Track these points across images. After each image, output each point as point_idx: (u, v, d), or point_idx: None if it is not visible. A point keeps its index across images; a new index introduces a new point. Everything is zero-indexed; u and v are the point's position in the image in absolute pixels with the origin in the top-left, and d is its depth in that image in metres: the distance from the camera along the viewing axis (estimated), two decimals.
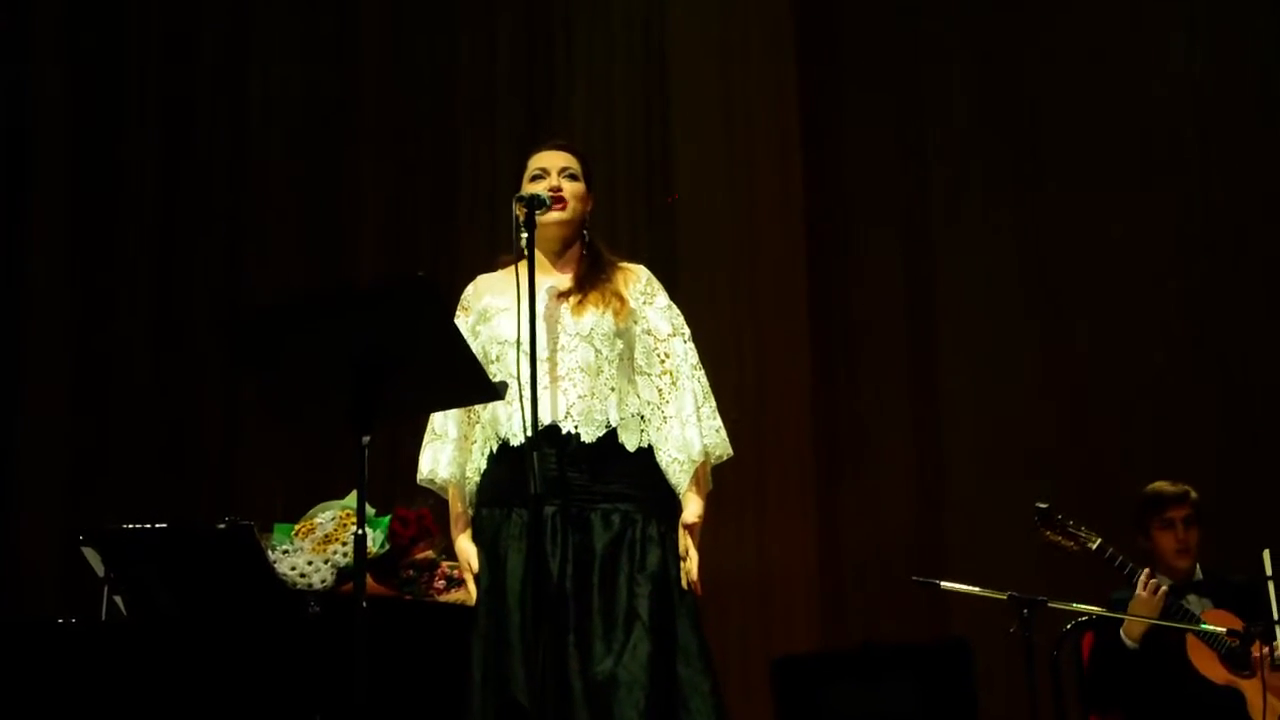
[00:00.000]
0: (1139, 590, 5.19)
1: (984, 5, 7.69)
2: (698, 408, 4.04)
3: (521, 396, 3.78)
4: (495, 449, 4.02)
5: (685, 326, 4.16)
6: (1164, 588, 5.21)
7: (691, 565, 3.92)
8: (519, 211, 3.93)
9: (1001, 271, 7.46)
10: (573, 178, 4.13)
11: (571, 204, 4.09)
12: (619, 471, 3.96)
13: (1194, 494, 5.56)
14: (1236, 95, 7.37)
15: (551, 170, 4.11)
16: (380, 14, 8.13)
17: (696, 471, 4.00)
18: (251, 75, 8.10)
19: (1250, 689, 5.18)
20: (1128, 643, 5.25)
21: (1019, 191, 7.53)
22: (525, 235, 3.88)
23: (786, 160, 7.63)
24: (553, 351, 3.97)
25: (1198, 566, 5.54)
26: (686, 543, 3.94)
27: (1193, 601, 5.35)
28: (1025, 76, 7.58)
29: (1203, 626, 5.18)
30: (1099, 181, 7.38)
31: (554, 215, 4.04)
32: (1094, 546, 5.21)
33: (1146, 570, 5.23)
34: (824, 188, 7.65)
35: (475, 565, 3.96)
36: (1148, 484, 5.64)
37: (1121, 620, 5.27)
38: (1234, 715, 5.18)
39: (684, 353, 4.10)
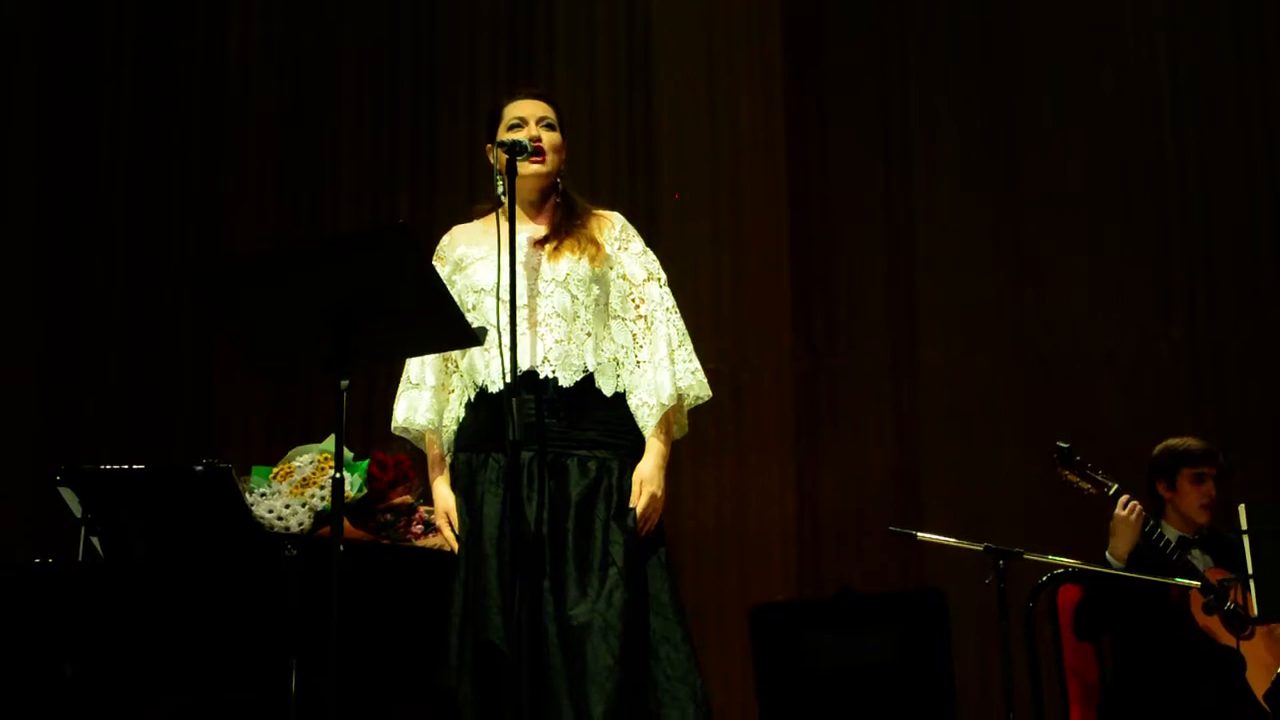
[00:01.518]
0: (1117, 511, 5.20)
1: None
2: (671, 351, 4.04)
3: (501, 343, 3.78)
4: (473, 396, 4.03)
5: (661, 271, 4.16)
6: (1138, 507, 5.21)
7: (641, 510, 3.91)
8: (499, 159, 3.93)
9: (976, 229, 7.46)
10: (550, 127, 4.12)
11: (550, 155, 4.09)
12: (596, 418, 3.97)
13: (1221, 456, 5.55)
14: (1220, 93, 7.36)
15: (529, 119, 4.10)
16: None
17: (666, 415, 4.00)
18: (230, 30, 8.02)
19: (1250, 650, 5.18)
20: (1114, 562, 5.25)
21: (995, 160, 7.52)
22: (505, 182, 3.88)
23: (770, 107, 7.62)
24: (530, 298, 3.98)
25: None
26: (638, 491, 3.93)
27: (1196, 556, 5.36)
28: (1010, 69, 7.57)
29: (1189, 582, 5.16)
30: (1074, 161, 7.40)
31: (533, 168, 4.04)
32: (1111, 491, 5.20)
33: (1126, 496, 5.23)
34: (807, 138, 7.63)
35: (454, 514, 3.97)
36: (1126, 435, 5.67)
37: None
38: (1228, 671, 5.18)
39: (659, 297, 4.11)
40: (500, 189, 3.95)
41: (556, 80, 7.65)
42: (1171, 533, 5.36)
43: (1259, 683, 5.19)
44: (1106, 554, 5.27)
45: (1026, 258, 7.37)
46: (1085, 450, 5.31)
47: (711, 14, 7.70)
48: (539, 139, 4.07)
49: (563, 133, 4.16)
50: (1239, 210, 7.22)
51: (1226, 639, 5.19)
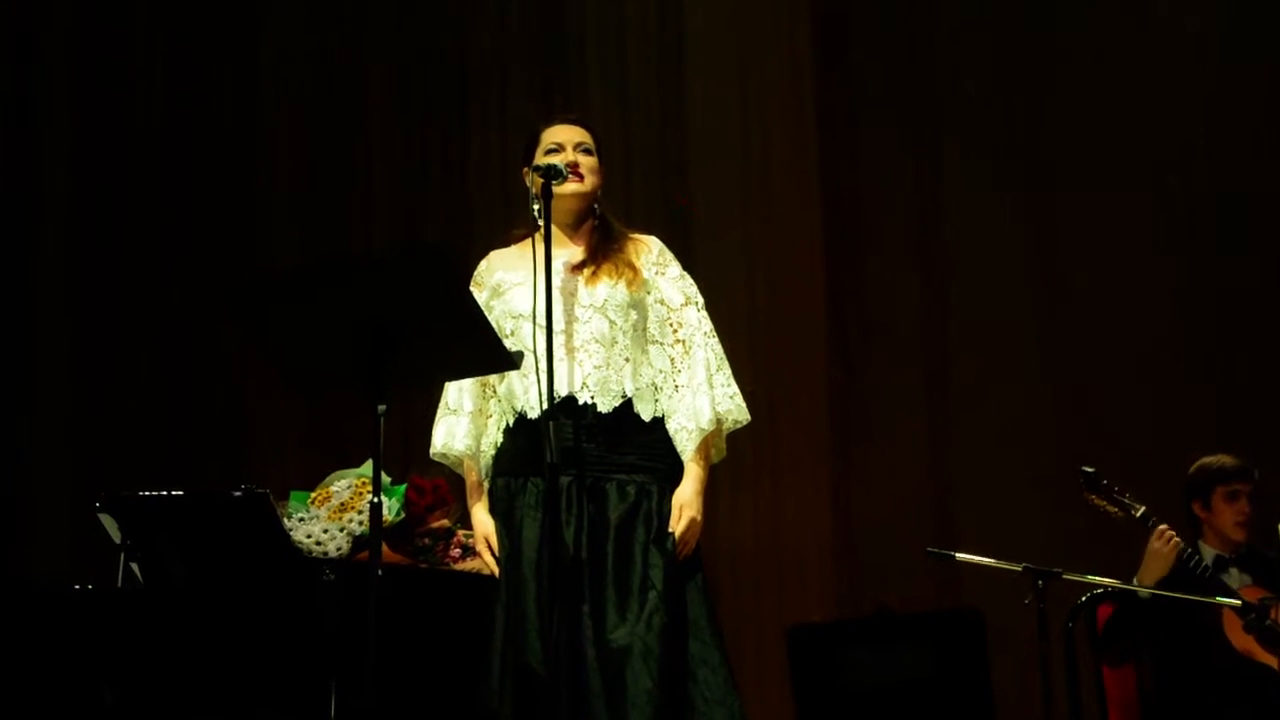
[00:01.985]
0: (1152, 541, 5.19)
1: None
2: (710, 375, 4.03)
3: (537, 369, 3.78)
4: (512, 422, 4.03)
5: (698, 295, 4.15)
6: (1176, 539, 5.18)
7: (680, 535, 3.91)
8: (534, 183, 3.94)
9: (1011, 250, 7.45)
10: (587, 152, 4.12)
11: (588, 177, 4.09)
12: (635, 442, 3.96)
13: (1256, 472, 5.53)
14: (1245, 94, 7.34)
15: (567, 145, 4.10)
16: None
17: (705, 439, 3.99)
18: (261, 44, 8.07)
19: None
20: (1141, 593, 5.23)
21: (1028, 170, 7.52)
22: (539, 206, 3.89)
23: (802, 127, 7.62)
24: (568, 323, 3.97)
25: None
26: (677, 514, 3.92)
27: (1233, 575, 5.34)
28: (1038, 73, 7.56)
29: (1228, 600, 5.15)
30: (1108, 180, 7.38)
31: (571, 187, 4.04)
32: (1138, 514, 5.18)
33: (1163, 527, 5.21)
34: (840, 161, 7.63)
35: (494, 539, 3.97)
36: (1159, 449, 5.65)
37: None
38: (1264, 690, 5.15)
39: (697, 321, 4.10)
40: (536, 213, 3.95)
41: (589, 87, 7.67)
42: (1208, 553, 5.35)
43: None
44: (1134, 580, 5.24)
45: (1060, 274, 7.36)
46: (1120, 467, 5.31)
47: (741, 20, 7.70)
48: (576, 164, 4.07)
49: (601, 158, 4.16)
50: (1274, 225, 7.19)
51: (1264, 657, 5.17)
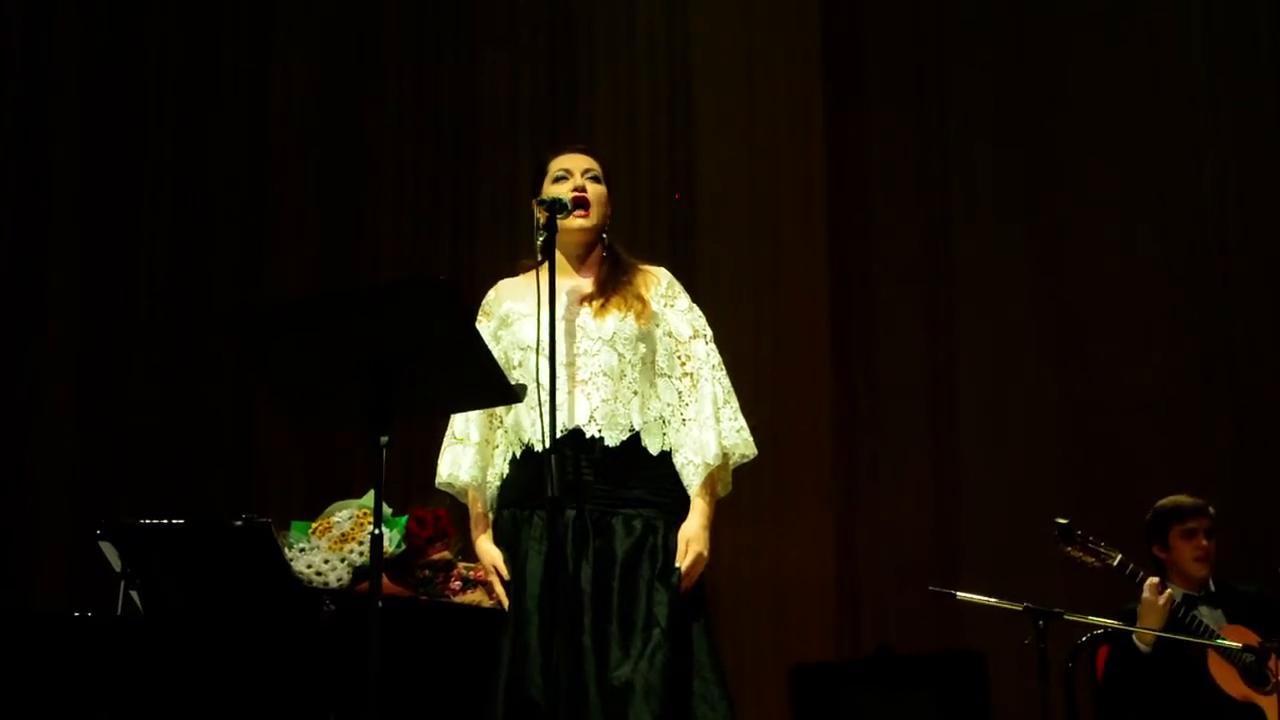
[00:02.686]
0: (1145, 594, 5.21)
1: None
2: (717, 409, 4.01)
3: (541, 402, 3.78)
4: (518, 454, 4.02)
5: (707, 328, 4.14)
6: (1169, 590, 5.22)
7: (686, 570, 3.89)
8: (540, 215, 3.94)
9: (1016, 284, 7.46)
10: (595, 180, 4.11)
11: (595, 208, 4.08)
12: (642, 477, 3.95)
13: (1211, 508, 5.60)
14: (1253, 109, 7.37)
15: (575, 171, 4.10)
16: (402, 15, 8.13)
17: (711, 474, 3.98)
18: (273, 75, 8.10)
19: (1270, 705, 5.17)
20: (1141, 647, 5.25)
21: (1033, 204, 7.53)
22: (545, 238, 3.89)
23: (810, 169, 7.65)
24: (576, 356, 3.97)
25: (1210, 580, 5.56)
26: (684, 550, 3.91)
27: (1205, 613, 5.37)
28: (1045, 88, 7.59)
29: (1219, 641, 5.19)
30: (1113, 193, 7.40)
31: (578, 221, 4.03)
32: (1114, 563, 5.22)
33: (1154, 579, 5.23)
34: (847, 196, 7.65)
35: (502, 568, 3.95)
36: (1162, 494, 5.68)
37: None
38: None
39: (705, 354, 4.08)
40: (540, 246, 3.93)
41: (597, 108, 7.68)
42: (1177, 592, 5.36)
43: None
44: (1134, 638, 5.25)
45: (1068, 311, 7.37)
46: (1131, 505, 5.32)
47: (751, 46, 7.73)
48: (583, 189, 4.06)
49: (610, 186, 4.16)
50: None
51: (1244, 694, 5.20)
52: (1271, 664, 5.13)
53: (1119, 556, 5.23)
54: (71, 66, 8.04)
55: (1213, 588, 5.53)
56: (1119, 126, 7.46)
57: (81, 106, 8.01)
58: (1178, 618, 5.23)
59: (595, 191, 4.09)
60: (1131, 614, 5.29)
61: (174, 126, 8.06)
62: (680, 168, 7.71)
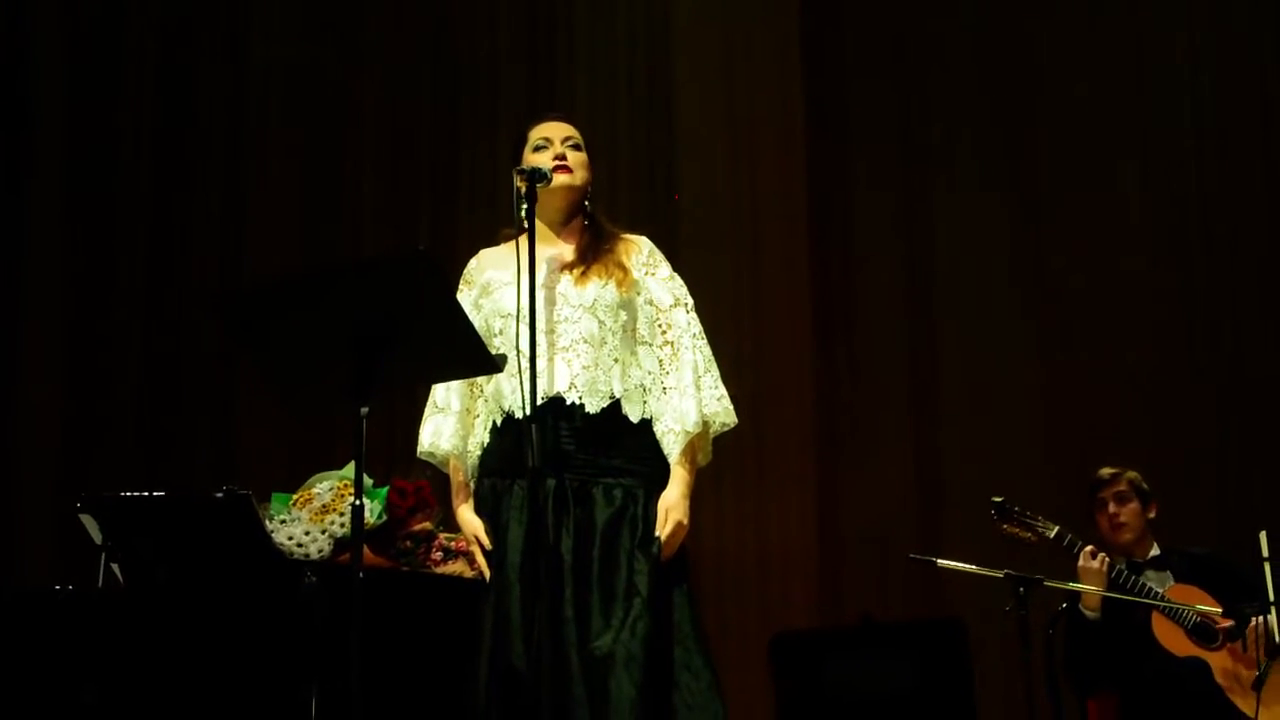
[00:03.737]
0: (1080, 562, 5.29)
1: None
2: (698, 377, 4.01)
3: (521, 369, 3.78)
4: (499, 421, 4.01)
5: (688, 297, 4.13)
6: (1102, 554, 5.31)
7: (666, 539, 3.89)
8: (520, 184, 3.93)
9: (996, 255, 7.48)
10: (576, 147, 4.11)
11: (578, 171, 4.08)
12: (622, 445, 3.95)
13: (1130, 473, 5.70)
14: (1236, 93, 7.38)
15: (555, 139, 4.10)
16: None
17: (691, 442, 3.98)
18: (252, 48, 8.07)
19: (1216, 660, 5.24)
20: (1088, 614, 5.34)
21: (1014, 180, 7.55)
22: (525, 207, 3.88)
23: (790, 136, 7.64)
24: (556, 323, 3.96)
25: (1154, 544, 5.64)
26: (663, 519, 3.91)
27: (1152, 577, 5.47)
28: (1026, 70, 7.60)
29: (1209, 609, 5.22)
30: (1095, 179, 7.41)
31: (562, 179, 4.03)
32: (1051, 535, 5.28)
33: (1090, 547, 5.30)
34: (827, 169, 7.65)
35: (484, 538, 3.95)
36: (1143, 467, 5.75)
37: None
38: (1199, 685, 5.24)
39: (686, 323, 4.08)
40: (522, 214, 3.93)
41: (577, 95, 7.67)
42: (1120, 560, 5.48)
43: (1227, 682, 5.26)
44: (1080, 606, 5.32)
45: (1050, 280, 7.39)
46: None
47: (730, 36, 7.72)
48: (564, 156, 4.07)
49: (590, 155, 4.15)
50: (1264, 228, 7.23)
51: (1188, 650, 5.29)
52: (1250, 630, 5.17)
53: (1056, 529, 5.31)
54: (52, 48, 8.01)
55: (1157, 551, 5.62)
56: (1100, 101, 7.46)
57: (62, 88, 7.99)
58: (1119, 583, 5.31)
59: (576, 158, 4.09)
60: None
61: (153, 111, 8.04)
62: (660, 145, 7.69)
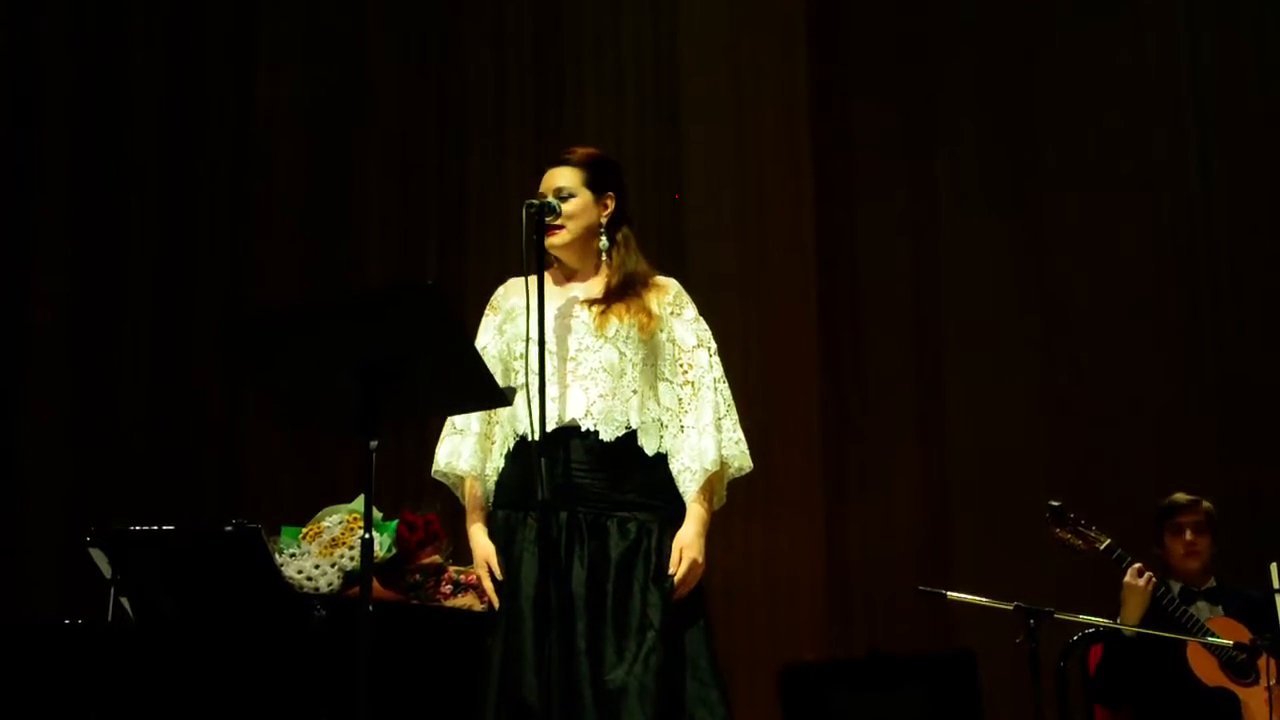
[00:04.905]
0: (1127, 578, 5.28)
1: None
2: (718, 419, 4.02)
3: (530, 401, 3.78)
4: (513, 445, 4.02)
5: (712, 340, 4.14)
6: (1149, 574, 5.29)
7: (680, 577, 3.89)
8: (526, 217, 3.94)
9: (1002, 283, 7.48)
10: (569, 197, 4.10)
11: (568, 226, 4.08)
12: (637, 479, 3.95)
13: (1207, 504, 5.72)
14: (1238, 98, 7.39)
15: (547, 194, 4.10)
16: (388, 16, 8.12)
17: (709, 480, 3.99)
18: (259, 76, 8.09)
19: (1248, 696, 5.21)
20: (1124, 630, 5.29)
21: (1019, 202, 7.55)
22: (531, 240, 3.90)
23: (797, 169, 7.65)
24: (578, 351, 3.98)
25: (1212, 576, 5.64)
26: (678, 557, 3.91)
27: (1202, 609, 5.44)
28: (1029, 78, 7.61)
29: (1207, 638, 5.22)
30: (1099, 186, 7.41)
31: (549, 240, 4.05)
32: (1103, 546, 5.26)
33: (1138, 564, 5.28)
34: (833, 199, 7.65)
35: (494, 563, 3.95)
36: (1150, 491, 5.77)
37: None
38: (1224, 717, 5.21)
39: (708, 364, 4.09)
40: (524, 247, 3.93)
41: (585, 113, 7.68)
42: (1175, 586, 5.50)
43: None
44: (1118, 621, 5.29)
45: (1057, 312, 7.38)
46: (1120, 502, 5.34)
47: (738, 50, 7.73)
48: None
49: (595, 189, 4.14)
50: (1269, 250, 7.22)
51: (1219, 681, 5.30)
52: (1262, 662, 5.16)
53: (1108, 540, 5.29)
54: (60, 63, 8.02)
55: (1214, 584, 5.63)
56: (1104, 118, 7.47)
57: (70, 120, 7.99)
58: (1162, 605, 5.30)
59: (567, 210, 4.08)
60: None
61: (160, 131, 8.04)
62: (666, 169, 7.70)
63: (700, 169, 7.68)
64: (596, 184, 4.15)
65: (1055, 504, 5.31)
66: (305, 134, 8.00)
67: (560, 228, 4.06)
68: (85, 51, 8.05)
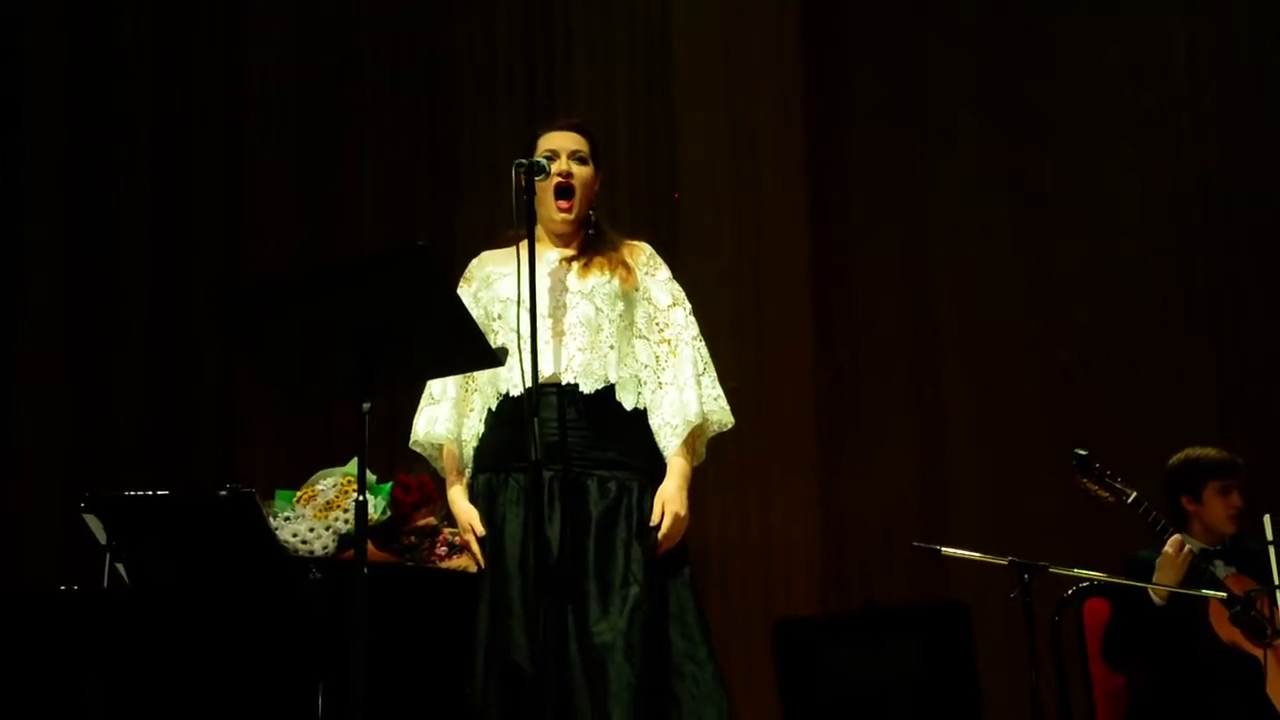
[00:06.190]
0: (1167, 549, 5.15)
1: None
2: (697, 375, 4.05)
3: (520, 351, 3.78)
4: (494, 407, 4.03)
5: (686, 300, 4.17)
6: (1188, 548, 5.16)
7: (664, 531, 3.90)
8: (520, 178, 3.93)
9: (999, 246, 7.47)
10: (582, 161, 4.13)
11: (579, 191, 4.10)
12: (616, 437, 3.97)
13: (1241, 461, 5.54)
14: (1235, 83, 7.38)
15: (562, 153, 4.11)
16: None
17: (690, 435, 4.00)
18: (249, 44, 8.05)
19: (1270, 663, 5.15)
20: (1155, 600, 5.21)
21: (1016, 166, 7.54)
22: (524, 200, 3.90)
23: (789, 129, 7.62)
24: (556, 308, 4.00)
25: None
26: (659, 511, 3.92)
27: (1219, 566, 5.33)
28: (1027, 61, 7.59)
29: (1215, 593, 5.14)
30: (1096, 169, 7.40)
31: (559, 215, 4.08)
32: (1129, 500, 5.16)
33: (1179, 536, 5.19)
34: (828, 161, 7.63)
35: (478, 525, 3.96)
36: (1147, 452, 5.67)
37: (1149, 577, 5.23)
38: (1249, 681, 5.16)
39: (684, 323, 4.12)
40: (518, 207, 3.93)
41: (575, 93, 7.66)
42: (1195, 544, 5.32)
43: (1278, 694, 5.16)
44: (1149, 590, 5.20)
45: (1051, 269, 7.37)
46: (1110, 461, 5.29)
47: (730, 32, 7.71)
48: (569, 174, 4.08)
49: (596, 165, 4.17)
50: (1265, 215, 7.21)
51: (1249, 648, 5.17)
52: (1260, 605, 5.11)
53: (1134, 494, 5.15)
54: (49, 46, 8.00)
55: (1229, 542, 5.47)
56: (1102, 90, 7.46)
57: (60, 92, 7.98)
58: (1193, 569, 5.17)
59: (581, 175, 4.11)
60: (1143, 563, 5.25)
61: (150, 98, 8.02)
62: (660, 133, 7.68)
63: (692, 128, 7.65)
64: (596, 155, 4.17)
65: (1081, 453, 5.21)
66: (295, 96, 7.97)
67: (570, 198, 4.08)
68: (75, 29, 8.03)
